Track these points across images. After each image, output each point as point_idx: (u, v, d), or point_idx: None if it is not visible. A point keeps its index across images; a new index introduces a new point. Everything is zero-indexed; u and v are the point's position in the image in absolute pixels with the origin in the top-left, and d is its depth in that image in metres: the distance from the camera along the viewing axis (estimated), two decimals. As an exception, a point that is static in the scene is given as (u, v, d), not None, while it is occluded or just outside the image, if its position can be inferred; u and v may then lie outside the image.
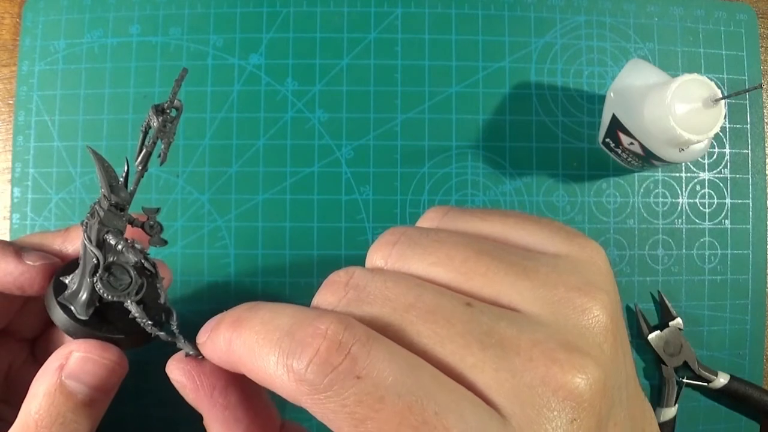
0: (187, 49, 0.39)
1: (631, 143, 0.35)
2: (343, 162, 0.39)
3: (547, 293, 0.16)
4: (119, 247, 0.22)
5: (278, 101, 0.39)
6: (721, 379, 0.38)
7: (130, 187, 0.23)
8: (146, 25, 0.40)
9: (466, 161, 0.40)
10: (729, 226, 0.40)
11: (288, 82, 0.39)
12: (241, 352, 0.16)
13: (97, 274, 0.21)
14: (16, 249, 0.25)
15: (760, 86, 0.35)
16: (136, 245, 0.22)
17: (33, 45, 0.39)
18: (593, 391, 0.14)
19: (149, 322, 0.22)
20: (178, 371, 0.20)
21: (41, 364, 0.28)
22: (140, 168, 0.22)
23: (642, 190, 0.40)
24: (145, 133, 0.21)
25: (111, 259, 0.22)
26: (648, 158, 0.35)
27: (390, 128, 0.40)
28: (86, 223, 0.22)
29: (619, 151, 0.38)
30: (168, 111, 0.21)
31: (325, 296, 0.17)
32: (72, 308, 0.22)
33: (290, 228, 0.39)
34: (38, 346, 0.29)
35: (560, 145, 0.40)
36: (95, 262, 0.22)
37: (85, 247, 0.22)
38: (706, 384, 0.39)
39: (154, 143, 0.21)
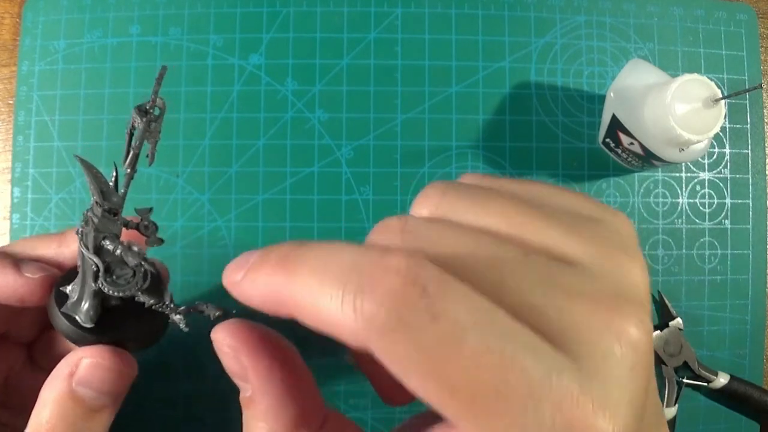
0: (187, 49, 0.39)
1: (631, 143, 0.35)
2: (343, 162, 0.39)
3: (595, 249, 0.16)
4: (117, 251, 0.22)
5: (278, 101, 0.39)
6: (721, 379, 0.38)
7: (121, 190, 0.23)
8: (146, 25, 0.40)
9: (466, 161, 0.40)
10: (729, 226, 0.40)
11: (288, 82, 0.39)
12: (293, 292, 0.15)
13: (99, 280, 0.21)
14: (14, 261, 0.24)
15: (760, 86, 0.35)
16: (133, 248, 0.22)
17: (33, 45, 0.39)
18: (647, 341, 0.15)
19: (169, 304, 0.22)
20: (227, 334, 0.18)
21: (40, 368, 0.28)
22: (129, 171, 0.22)
23: (642, 190, 0.40)
24: (131, 135, 0.22)
25: (118, 251, 0.22)
26: (648, 158, 0.35)
27: (390, 128, 0.40)
28: (81, 231, 0.22)
29: (619, 151, 0.38)
30: (151, 111, 0.21)
31: (380, 238, 0.16)
32: (76, 317, 0.22)
33: (290, 228, 0.39)
34: (36, 350, 0.29)
35: (560, 145, 0.40)
36: (95, 269, 0.22)
37: (82, 255, 0.22)
38: (706, 384, 0.39)
39: (140, 144, 0.21)
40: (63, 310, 0.23)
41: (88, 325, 0.22)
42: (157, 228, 0.24)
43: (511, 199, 0.17)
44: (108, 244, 0.22)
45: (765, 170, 0.41)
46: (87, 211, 0.22)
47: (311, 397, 0.19)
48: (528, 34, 0.41)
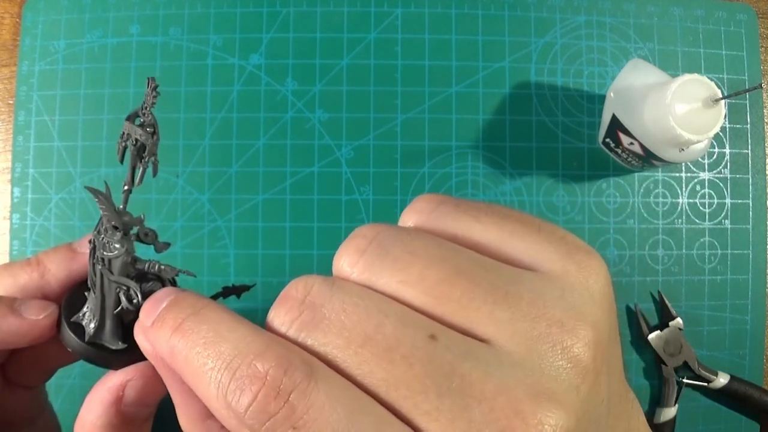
0: (187, 49, 0.39)
1: (631, 143, 0.35)
2: (343, 162, 0.39)
3: (526, 327, 0.15)
4: (155, 268, 0.22)
5: (278, 101, 0.39)
6: (721, 379, 0.38)
7: (119, 206, 0.22)
8: (146, 25, 0.40)
9: (466, 161, 0.40)
10: (729, 226, 0.40)
11: (288, 82, 0.39)
12: (183, 365, 0.16)
13: (136, 300, 0.21)
14: (8, 303, 0.23)
15: (760, 86, 0.35)
16: (161, 265, 0.22)
17: (33, 45, 0.39)
18: (567, 422, 0.14)
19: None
20: (125, 377, 0.20)
21: (15, 384, 0.27)
22: (127, 188, 0.22)
23: (642, 190, 0.40)
24: (125, 149, 0.21)
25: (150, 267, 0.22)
26: (648, 158, 0.35)
27: (390, 128, 0.40)
28: (98, 256, 0.22)
29: (619, 151, 0.38)
30: (145, 117, 0.21)
31: (278, 313, 0.16)
32: (104, 343, 0.22)
33: (290, 228, 0.39)
34: (8, 369, 0.28)
35: (560, 145, 0.40)
36: (125, 292, 0.22)
37: (101, 281, 0.22)
38: (706, 384, 0.39)
39: (151, 157, 0.21)
40: (89, 340, 0.22)
41: (120, 347, 0.22)
42: (156, 234, 0.24)
43: (434, 263, 0.16)
44: (140, 265, 0.22)
45: (765, 170, 0.41)
46: (99, 236, 0.22)
47: None
48: (528, 34, 0.41)
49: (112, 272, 0.22)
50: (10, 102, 0.39)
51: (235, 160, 0.39)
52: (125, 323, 0.22)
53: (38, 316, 0.23)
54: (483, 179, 0.40)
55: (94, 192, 0.22)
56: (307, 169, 0.39)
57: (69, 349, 0.23)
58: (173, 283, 0.22)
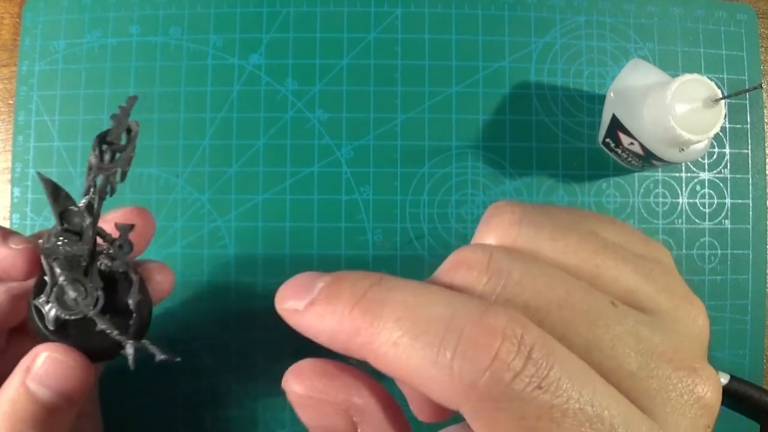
0: (187, 49, 0.39)
1: (631, 143, 0.35)
2: (343, 162, 0.39)
3: (665, 297, 0.16)
4: (60, 279, 0.22)
5: (278, 101, 0.39)
6: (721, 379, 0.38)
7: (86, 221, 0.22)
8: (146, 25, 0.40)
9: (466, 161, 0.40)
10: (729, 226, 0.40)
11: (288, 82, 0.39)
12: (373, 339, 0.14)
13: (41, 299, 0.22)
14: (3, 233, 0.24)
15: (760, 86, 0.35)
16: (70, 293, 0.22)
17: (33, 45, 0.39)
18: (718, 401, 0.15)
19: (119, 335, 0.22)
20: (300, 385, 0.16)
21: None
22: (86, 203, 0.22)
23: (642, 190, 0.40)
24: (90, 169, 0.21)
25: (61, 279, 0.22)
26: (648, 158, 0.35)
27: (390, 128, 0.40)
28: (42, 245, 0.22)
29: (619, 151, 0.38)
30: (113, 141, 0.21)
31: (462, 276, 0.15)
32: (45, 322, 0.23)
33: (290, 228, 0.39)
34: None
35: (560, 145, 0.40)
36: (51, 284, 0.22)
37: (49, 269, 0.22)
38: (706, 384, 0.39)
39: (94, 183, 0.21)
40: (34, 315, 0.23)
41: (51, 328, 0.22)
42: (131, 250, 0.24)
43: (587, 234, 0.16)
44: (56, 267, 0.22)
45: (765, 170, 0.41)
46: (51, 228, 0.23)
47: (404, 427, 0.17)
48: (528, 34, 0.41)
49: (48, 265, 0.22)
50: (10, 102, 0.39)
51: (235, 160, 0.39)
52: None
53: (17, 246, 0.23)
54: (483, 179, 0.40)
55: (46, 182, 0.22)
56: (307, 169, 0.39)
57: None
58: (92, 295, 0.23)
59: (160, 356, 0.21)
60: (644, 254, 0.17)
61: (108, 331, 0.22)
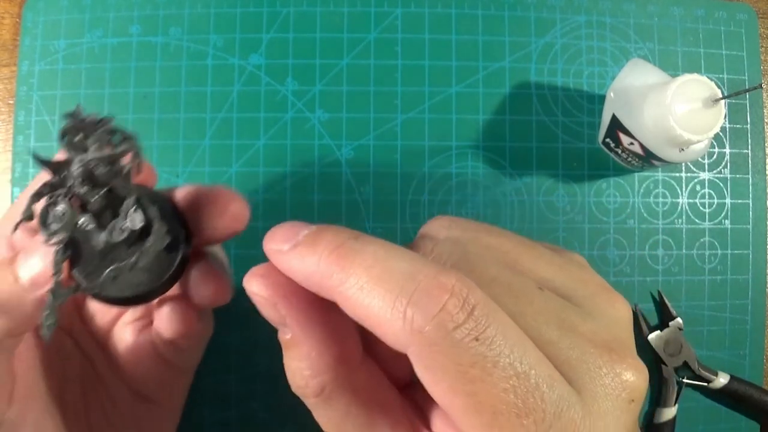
0: (187, 49, 0.39)
1: (631, 143, 0.35)
2: (343, 162, 0.39)
3: (587, 289, 0.18)
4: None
5: (278, 101, 0.39)
6: (721, 379, 0.38)
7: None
8: (146, 25, 0.40)
9: (466, 161, 0.40)
10: (729, 226, 0.40)
11: (288, 82, 0.39)
12: (343, 284, 0.15)
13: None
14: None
15: (760, 86, 0.35)
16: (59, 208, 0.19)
17: (33, 45, 0.39)
18: (641, 382, 0.17)
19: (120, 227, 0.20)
20: (261, 286, 0.17)
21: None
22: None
23: (642, 190, 0.40)
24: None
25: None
26: (648, 158, 0.35)
27: (390, 128, 0.40)
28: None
29: (619, 151, 0.38)
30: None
31: (422, 244, 0.18)
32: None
33: (290, 228, 0.39)
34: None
35: (560, 145, 0.40)
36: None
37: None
38: (706, 384, 0.39)
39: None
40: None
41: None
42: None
43: (505, 234, 0.19)
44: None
45: (765, 170, 0.41)
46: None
47: (350, 335, 0.18)
48: (528, 34, 0.41)
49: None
50: (10, 102, 0.39)
51: (235, 160, 0.39)
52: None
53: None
54: (483, 179, 0.40)
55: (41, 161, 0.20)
56: (307, 169, 0.39)
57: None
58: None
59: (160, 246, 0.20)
60: (557, 253, 0.20)
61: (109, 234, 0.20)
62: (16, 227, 0.21)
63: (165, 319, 0.24)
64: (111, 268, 0.21)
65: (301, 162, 0.39)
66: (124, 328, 0.27)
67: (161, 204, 0.22)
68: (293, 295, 0.17)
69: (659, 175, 0.41)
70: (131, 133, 0.21)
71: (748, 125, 0.41)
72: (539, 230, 0.40)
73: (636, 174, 0.40)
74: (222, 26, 0.40)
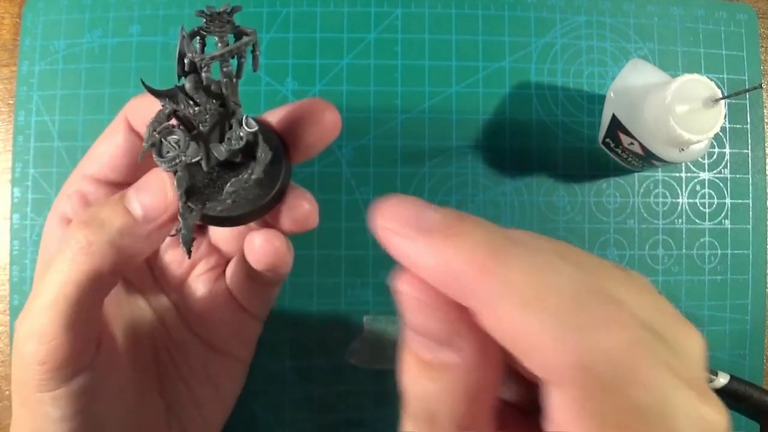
0: (187, 49, 0.39)
1: (631, 143, 0.35)
2: (343, 162, 0.39)
3: (665, 321, 0.15)
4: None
5: (278, 101, 0.39)
6: (721, 379, 0.38)
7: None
8: (146, 25, 0.40)
9: (466, 161, 0.40)
10: (729, 226, 0.41)
11: (288, 82, 0.39)
12: (489, 293, 0.13)
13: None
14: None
15: (760, 86, 0.35)
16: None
17: (33, 45, 0.39)
18: (725, 424, 0.14)
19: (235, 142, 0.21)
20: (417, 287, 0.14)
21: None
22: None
23: (642, 190, 0.40)
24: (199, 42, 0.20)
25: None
26: (648, 158, 0.35)
27: (390, 128, 0.40)
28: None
29: (619, 151, 0.38)
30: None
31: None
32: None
33: (290, 228, 0.39)
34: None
35: (560, 145, 0.40)
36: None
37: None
38: (706, 384, 0.39)
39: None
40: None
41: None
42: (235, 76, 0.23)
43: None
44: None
45: (765, 170, 0.41)
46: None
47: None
48: (528, 34, 0.41)
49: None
50: (10, 102, 0.39)
51: (235, 160, 0.39)
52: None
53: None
54: (483, 179, 0.40)
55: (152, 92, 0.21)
56: (307, 169, 0.39)
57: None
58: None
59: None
60: (629, 276, 0.17)
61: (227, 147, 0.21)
62: (142, 155, 0.21)
63: (258, 249, 0.24)
64: (230, 183, 0.21)
65: (302, 162, 0.39)
66: (197, 280, 0.28)
67: (258, 123, 0.23)
68: (448, 303, 0.14)
69: (659, 175, 0.41)
70: (250, 28, 0.22)
71: (748, 125, 0.41)
72: (539, 230, 0.39)
73: (636, 174, 0.40)
74: (222, 26, 0.40)
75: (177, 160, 0.20)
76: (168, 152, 0.20)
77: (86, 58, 0.39)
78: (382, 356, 0.37)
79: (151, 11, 0.40)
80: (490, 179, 0.40)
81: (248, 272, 0.27)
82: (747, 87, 0.41)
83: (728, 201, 0.41)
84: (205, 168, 0.22)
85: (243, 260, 0.26)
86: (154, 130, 0.20)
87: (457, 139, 0.40)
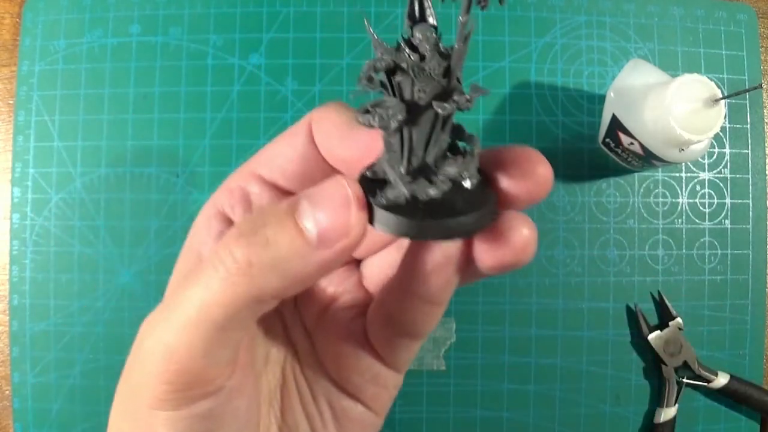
0: (187, 49, 0.39)
1: (631, 143, 0.35)
2: (343, 162, 0.39)
3: None
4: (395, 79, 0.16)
5: (278, 101, 0.39)
6: (721, 379, 0.38)
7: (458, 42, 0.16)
8: (146, 25, 0.40)
9: (466, 161, 0.40)
10: (729, 226, 0.40)
11: (288, 82, 0.39)
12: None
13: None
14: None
15: (760, 86, 0.35)
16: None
17: (33, 45, 0.39)
18: None
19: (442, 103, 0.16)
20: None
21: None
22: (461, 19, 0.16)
23: (642, 190, 0.40)
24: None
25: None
26: (648, 158, 0.35)
27: (390, 128, 0.39)
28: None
29: (619, 151, 0.38)
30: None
31: None
32: (398, 204, 0.17)
33: (290, 228, 0.39)
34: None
35: (560, 145, 0.40)
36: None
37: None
38: (706, 384, 0.39)
39: None
40: (380, 203, 0.17)
41: (407, 194, 0.17)
42: (468, 105, 0.17)
43: None
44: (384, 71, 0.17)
45: (765, 170, 0.41)
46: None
47: None
48: (528, 34, 0.41)
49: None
50: (10, 102, 0.39)
51: (235, 160, 0.39)
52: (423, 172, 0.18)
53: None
54: (483, 179, 0.40)
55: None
56: (307, 169, 0.39)
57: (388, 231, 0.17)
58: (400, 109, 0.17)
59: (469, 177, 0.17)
60: None
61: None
62: (357, 90, 0.18)
63: (527, 238, 0.19)
64: (439, 175, 0.17)
65: (301, 162, 0.39)
66: (337, 313, 0.24)
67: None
68: None
69: (659, 175, 0.41)
70: None
71: (748, 125, 0.41)
72: (539, 230, 0.39)
73: (636, 174, 0.40)
74: (222, 26, 0.40)
75: (391, 120, 0.16)
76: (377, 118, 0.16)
77: (86, 58, 0.39)
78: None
79: (151, 11, 0.40)
80: (490, 179, 0.40)
81: (387, 319, 0.23)
82: (747, 87, 0.41)
83: (728, 201, 0.41)
84: (404, 164, 0.17)
85: (385, 302, 0.23)
86: (370, 69, 0.16)
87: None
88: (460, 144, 0.18)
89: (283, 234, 0.17)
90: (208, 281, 0.17)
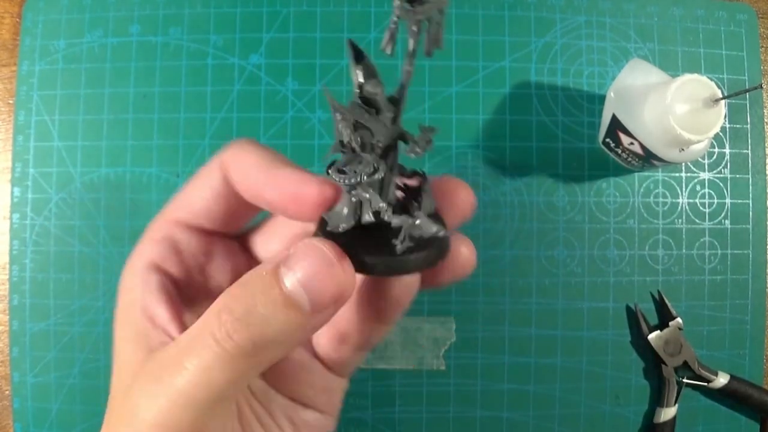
0: (187, 49, 0.39)
1: (631, 143, 0.35)
2: (343, 162, 0.39)
3: None
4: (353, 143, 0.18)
5: (278, 101, 0.39)
6: (721, 379, 0.38)
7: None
8: (146, 25, 0.40)
9: (466, 161, 0.40)
10: (729, 226, 0.40)
11: (288, 82, 0.39)
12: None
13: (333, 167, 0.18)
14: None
15: (760, 86, 0.35)
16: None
17: (33, 45, 0.39)
18: None
19: (382, 205, 0.18)
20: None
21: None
22: (406, 66, 0.18)
23: (642, 190, 0.40)
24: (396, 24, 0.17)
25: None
26: (648, 158, 0.35)
27: (390, 128, 0.39)
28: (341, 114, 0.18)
29: (619, 151, 0.38)
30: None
31: None
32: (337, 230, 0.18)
33: (290, 228, 0.39)
34: None
35: (560, 145, 0.40)
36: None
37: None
38: (706, 384, 0.39)
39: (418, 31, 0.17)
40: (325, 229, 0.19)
41: (342, 230, 0.18)
42: (429, 146, 0.18)
43: None
44: (346, 133, 0.18)
45: (765, 170, 0.41)
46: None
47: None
48: (528, 34, 0.41)
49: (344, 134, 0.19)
50: (10, 102, 0.39)
51: (235, 160, 0.39)
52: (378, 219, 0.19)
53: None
54: (483, 179, 0.40)
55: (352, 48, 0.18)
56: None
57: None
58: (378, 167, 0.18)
59: (434, 232, 0.18)
60: None
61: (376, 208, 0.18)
62: (330, 152, 0.18)
63: (467, 257, 0.21)
64: (397, 218, 0.18)
65: (301, 162, 0.39)
66: None
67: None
68: None
69: (659, 175, 0.41)
70: None
71: (748, 125, 0.41)
72: (539, 230, 0.40)
73: (636, 174, 0.40)
74: (222, 26, 0.40)
75: (359, 176, 0.17)
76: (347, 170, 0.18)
77: (86, 58, 0.39)
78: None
79: (151, 11, 0.40)
80: (490, 179, 0.40)
81: (340, 338, 0.24)
82: (747, 87, 0.41)
83: (728, 201, 0.41)
84: (382, 205, 0.18)
85: (338, 323, 0.23)
86: (346, 138, 0.18)
87: (457, 139, 0.40)
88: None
89: (275, 312, 0.17)
90: (203, 362, 0.17)
